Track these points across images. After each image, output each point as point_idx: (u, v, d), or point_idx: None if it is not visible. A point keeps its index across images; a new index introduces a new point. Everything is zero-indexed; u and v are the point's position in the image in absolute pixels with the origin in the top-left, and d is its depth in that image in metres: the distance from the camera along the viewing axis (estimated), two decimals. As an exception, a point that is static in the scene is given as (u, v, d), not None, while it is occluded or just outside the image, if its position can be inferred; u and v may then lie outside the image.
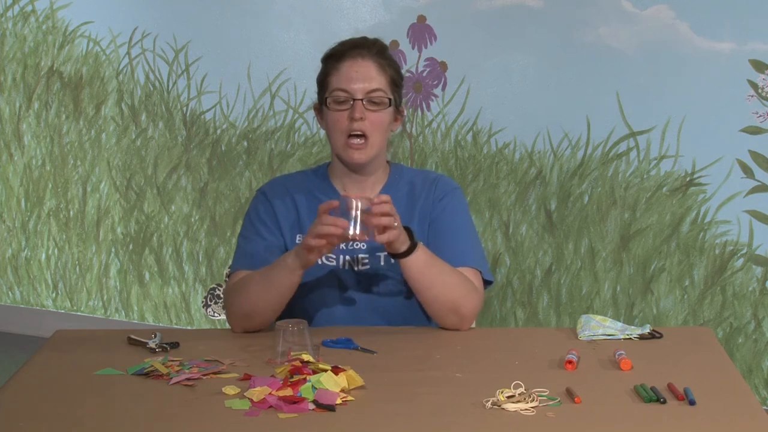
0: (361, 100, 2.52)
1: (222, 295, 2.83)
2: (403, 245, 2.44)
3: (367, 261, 2.57)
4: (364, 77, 2.53)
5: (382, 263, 2.57)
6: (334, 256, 2.58)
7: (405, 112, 2.66)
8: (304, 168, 2.86)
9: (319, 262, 2.56)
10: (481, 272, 2.58)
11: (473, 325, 2.66)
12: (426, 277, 2.48)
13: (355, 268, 2.58)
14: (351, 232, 2.34)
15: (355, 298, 2.58)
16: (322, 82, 2.59)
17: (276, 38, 4.55)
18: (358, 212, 2.36)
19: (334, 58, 2.58)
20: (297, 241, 2.59)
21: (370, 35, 2.66)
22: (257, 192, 2.67)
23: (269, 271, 2.49)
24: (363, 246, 2.57)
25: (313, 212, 2.59)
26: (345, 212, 2.36)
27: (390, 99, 2.55)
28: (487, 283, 2.60)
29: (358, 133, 2.52)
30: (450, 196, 2.62)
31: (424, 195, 2.61)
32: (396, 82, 2.59)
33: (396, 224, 2.38)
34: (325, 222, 2.36)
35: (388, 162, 2.68)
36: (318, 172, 2.67)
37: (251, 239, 2.61)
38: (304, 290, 2.57)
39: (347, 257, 2.58)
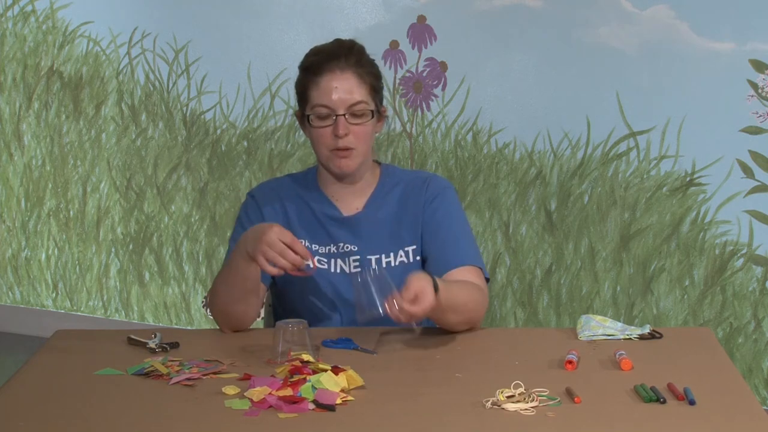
0: (344, 115, 2.47)
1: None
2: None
3: (358, 264, 2.56)
4: (344, 91, 2.47)
5: (374, 266, 2.55)
6: (326, 260, 2.58)
7: (387, 111, 2.60)
8: (304, 168, 2.83)
9: (312, 267, 2.55)
10: (482, 269, 2.56)
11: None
12: (447, 313, 2.41)
13: (348, 272, 2.57)
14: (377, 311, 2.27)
15: (351, 301, 2.56)
16: (302, 94, 2.54)
17: (276, 38, 4.55)
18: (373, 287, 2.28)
19: (312, 70, 2.51)
20: None
21: (370, 35, 2.63)
22: (247, 195, 2.66)
23: (230, 261, 2.47)
24: (355, 248, 2.57)
25: (303, 218, 2.58)
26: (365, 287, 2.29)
27: (372, 110, 2.50)
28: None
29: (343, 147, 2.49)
30: (441, 197, 2.59)
31: (414, 196, 2.59)
32: (376, 87, 2.53)
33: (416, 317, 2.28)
34: (278, 249, 2.32)
35: (379, 163, 2.65)
36: (307, 178, 2.64)
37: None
38: (298, 295, 2.57)
39: (338, 261, 2.57)
